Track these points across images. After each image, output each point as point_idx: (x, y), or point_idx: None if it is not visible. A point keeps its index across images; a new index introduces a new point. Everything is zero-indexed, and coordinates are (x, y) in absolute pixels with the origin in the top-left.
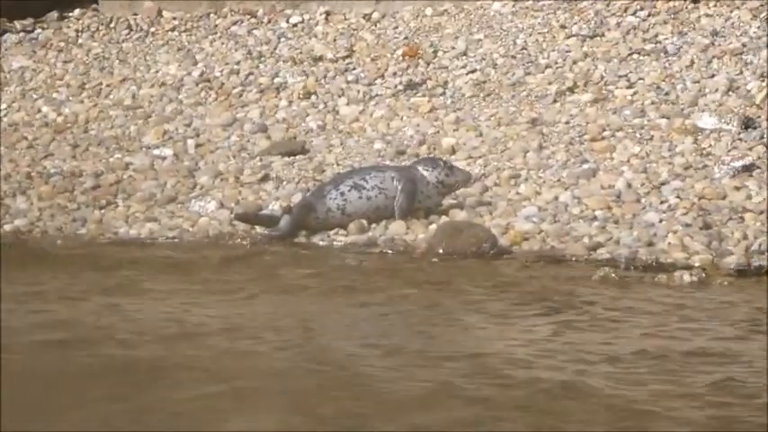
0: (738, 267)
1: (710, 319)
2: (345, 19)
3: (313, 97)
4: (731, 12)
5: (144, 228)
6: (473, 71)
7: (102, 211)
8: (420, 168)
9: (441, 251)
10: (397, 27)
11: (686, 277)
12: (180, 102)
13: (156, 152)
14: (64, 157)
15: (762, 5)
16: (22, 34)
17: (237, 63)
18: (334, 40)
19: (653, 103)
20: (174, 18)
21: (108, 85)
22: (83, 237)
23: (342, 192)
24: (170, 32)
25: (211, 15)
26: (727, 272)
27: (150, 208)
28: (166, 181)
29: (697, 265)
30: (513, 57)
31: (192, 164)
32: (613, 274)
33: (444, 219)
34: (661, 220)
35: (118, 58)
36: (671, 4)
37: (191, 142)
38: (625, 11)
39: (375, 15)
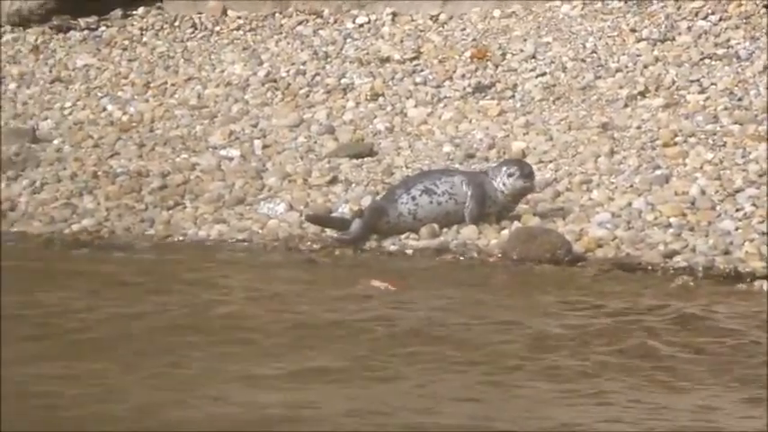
0: None
1: None
2: (412, 20)
3: (380, 99)
4: None
5: (213, 229)
6: (542, 74)
7: (170, 211)
8: (490, 174)
9: (515, 257)
10: (464, 29)
11: (766, 287)
12: (246, 102)
13: (222, 153)
14: (130, 157)
15: None
16: (86, 32)
17: (303, 63)
18: (401, 42)
19: (726, 108)
20: (239, 17)
21: (173, 84)
22: (151, 237)
23: (413, 196)
24: (235, 32)
25: (276, 15)
26: None
27: (218, 209)
28: (234, 182)
29: None
30: (583, 60)
31: (260, 165)
32: (692, 283)
33: (517, 224)
34: (737, 228)
35: (182, 56)
36: (743, 8)
37: (257, 143)
38: (696, 15)
39: (442, 17)
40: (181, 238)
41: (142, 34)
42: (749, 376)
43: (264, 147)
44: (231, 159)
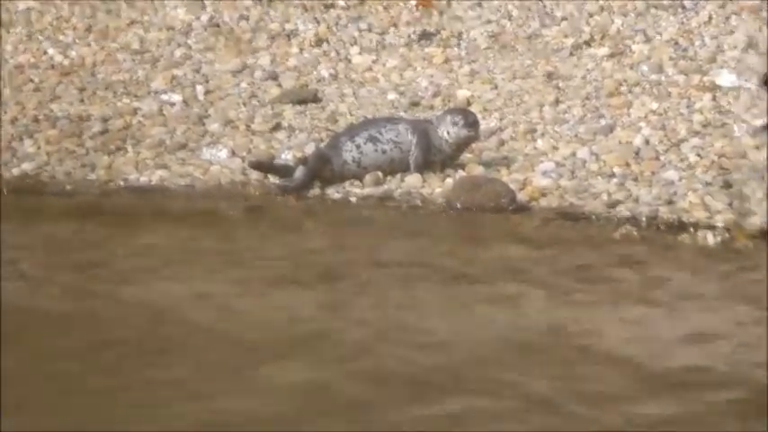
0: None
1: None
2: None
3: (324, 45)
4: None
5: (154, 174)
6: (488, 22)
7: (112, 156)
8: (435, 122)
9: (459, 205)
10: None
11: (710, 238)
12: (188, 47)
13: (164, 98)
14: (71, 101)
15: None
16: None
17: (247, 8)
18: None
19: (671, 58)
20: None
21: (115, 29)
22: (93, 182)
23: (357, 144)
24: None
25: None
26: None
27: (160, 154)
28: (176, 127)
29: (720, 225)
30: (529, 9)
31: (202, 110)
32: (635, 233)
33: (461, 173)
34: (681, 179)
35: (125, 0)
36: None
37: (200, 88)
38: None
39: None
40: (122, 183)
41: None
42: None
43: (207, 92)
44: (173, 104)
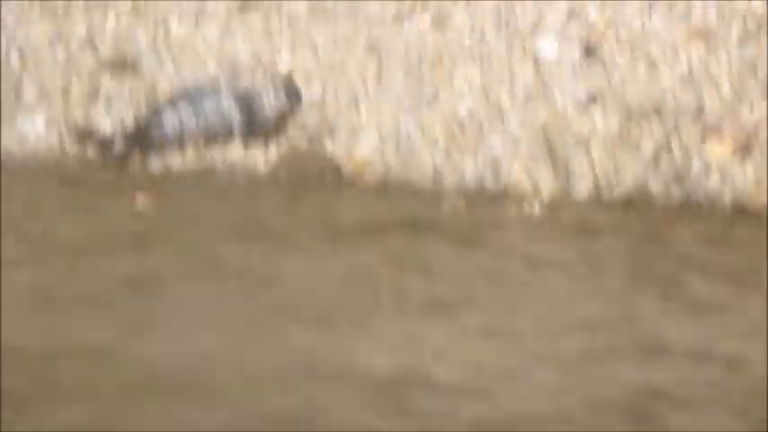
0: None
1: None
2: None
3: (142, 14)
4: None
5: None
6: None
7: None
8: (257, 90)
9: (282, 178)
10: None
11: (537, 208)
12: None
13: None
14: None
15: None
16: None
17: None
18: None
19: (494, 28)
20: None
21: None
22: None
23: (178, 114)
24: None
25: None
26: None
27: None
28: None
29: (545, 194)
30: None
31: (16, 80)
32: (461, 204)
33: (284, 145)
34: (505, 150)
35: None
36: None
37: (14, 55)
38: None
39: None
40: None
41: None
42: None
43: (22, 61)
44: None
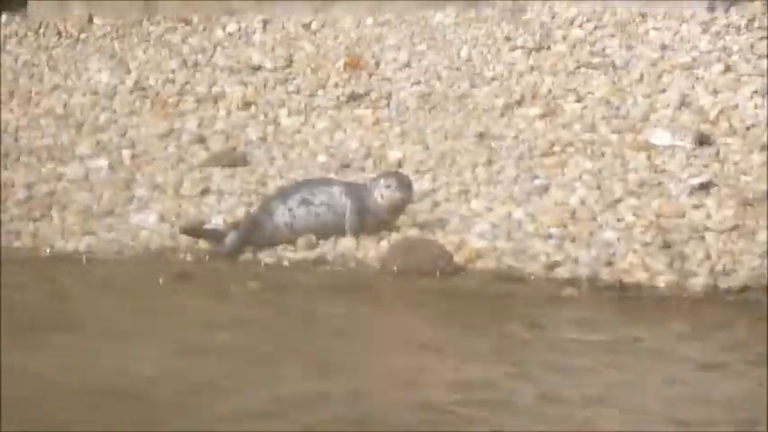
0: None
1: None
2: (283, 28)
3: (252, 108)
4: (680, 25)
5: (81, 241)
6: (417, 83)
7: (37, 223)
8: (368, 185)
9: (395, 268)
10: (337, 37)
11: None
12: (113, 111)
13: (90, 163)
14: None
15: (711, 19)
16: None
17: (173, 71)
18: (273, 49)
19: (603, 117)
20: (105, 24)
21: (38, 93)
22: (18, 251)
23: (290, 207)
24: (101, 39)
25: (144, 22)
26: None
27: (87, 220)
28: (102, 193)
29: (662, 285)
30: (458, 69)
31: (129, 175)
32: (576, 294)
33: (395, 235)
34: (619, 239)
35: (48, 65)
36: (618, 16)
37: (126, 153)
38: (571, 23)
39: (314, 24)
40: (48, 250)
41: (5, 42)
42: None
43: (133, 156)
44: (99, 170)
